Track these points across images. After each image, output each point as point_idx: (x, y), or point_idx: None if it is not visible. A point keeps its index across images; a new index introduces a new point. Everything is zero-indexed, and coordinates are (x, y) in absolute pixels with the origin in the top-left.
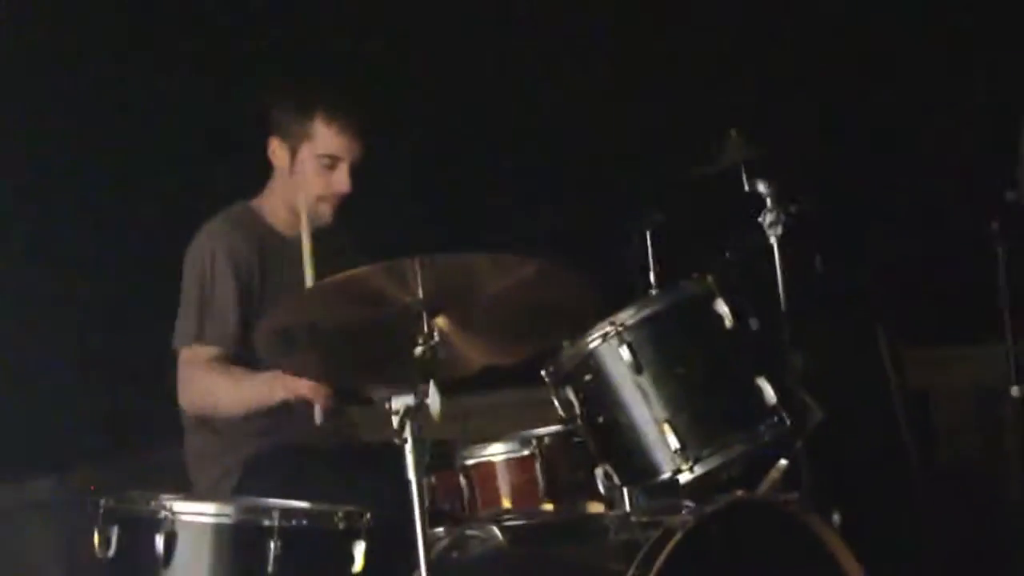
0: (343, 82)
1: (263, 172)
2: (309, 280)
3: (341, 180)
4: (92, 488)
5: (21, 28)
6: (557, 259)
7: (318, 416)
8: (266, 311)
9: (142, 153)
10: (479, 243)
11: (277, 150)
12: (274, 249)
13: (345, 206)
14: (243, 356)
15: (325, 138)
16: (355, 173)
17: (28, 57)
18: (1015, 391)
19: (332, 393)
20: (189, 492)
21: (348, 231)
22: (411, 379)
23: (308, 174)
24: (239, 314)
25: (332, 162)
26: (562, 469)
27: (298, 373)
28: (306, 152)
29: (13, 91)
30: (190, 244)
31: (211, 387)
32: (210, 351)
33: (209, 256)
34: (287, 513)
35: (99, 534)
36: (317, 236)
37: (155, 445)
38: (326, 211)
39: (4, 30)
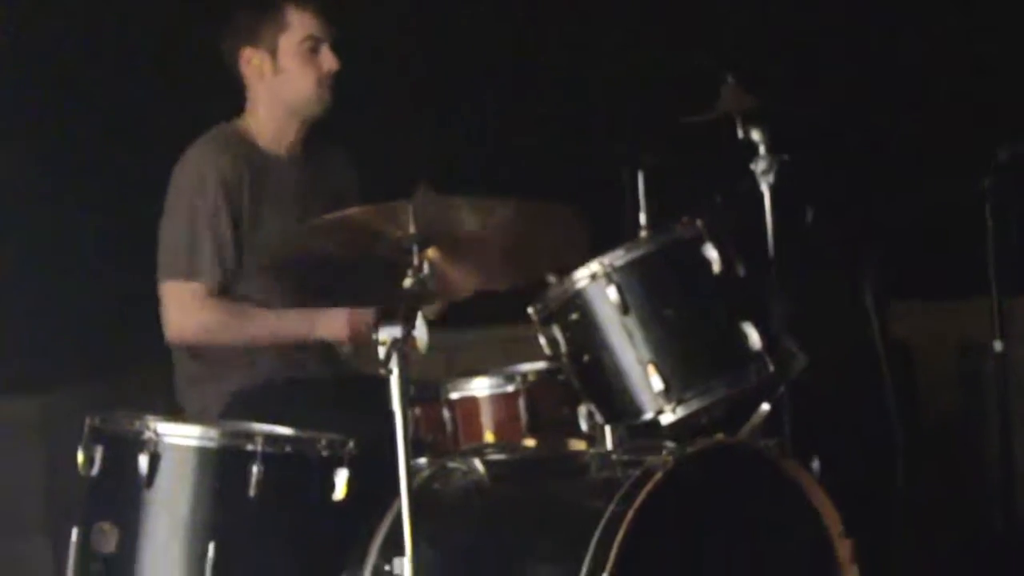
0: None
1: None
2: None
3: (329, 59)
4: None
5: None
6: (544, 197)
7: (346, 351)
8: (256, 236)
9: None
10: (474, 181)
11: (253, 58)
12: (263, 169)
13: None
14: (229, 288)
15: (302, 22)
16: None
17: None
18: (998, 346)
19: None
20: (176, 414)
21: (346, 165)
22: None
23: (296, 65)
24: (235, 244)
25: (315, 44)
26: (545, 406)
27: (287, 304)
28: (286, 44)
29: None
30: (176, 167)
31: (218, 324)
32: (197, 288)
33: (198, 180)
34: (270, 439)
35: (83, 452)
36: (316, 168)
37: (145, 365)
38: (324, 95)
39: None
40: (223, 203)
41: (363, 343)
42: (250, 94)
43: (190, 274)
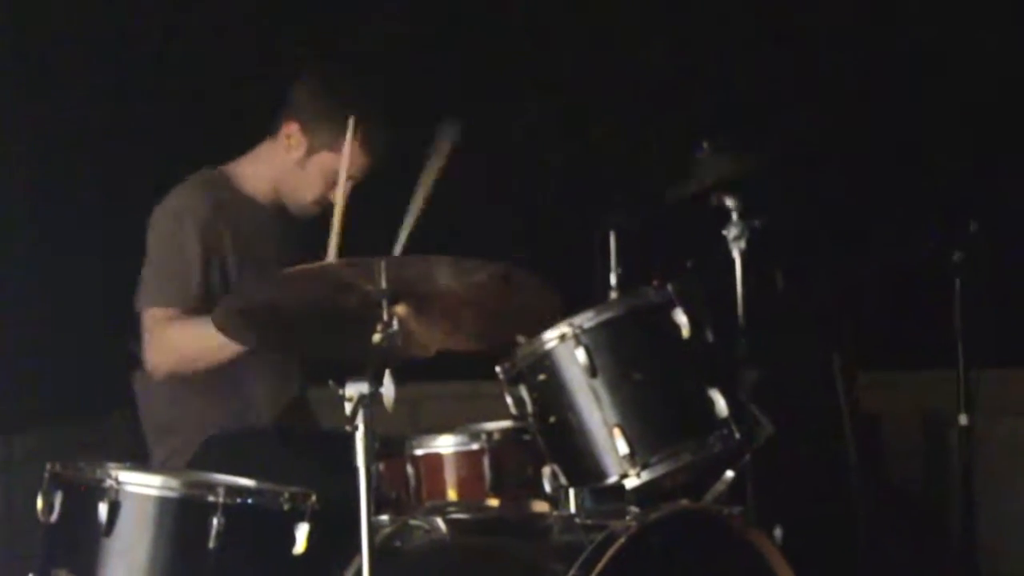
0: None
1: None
2: (332, 255)
3: (344, 193)
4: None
5: None
6: (520, 262)
7: None
8: (233, 280)
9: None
10: (447, 241)
11: (294, 136)
12: (247, 216)
13: None
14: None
15: (353, 160)
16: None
17: None
18: (963, 419)
19: None
20: (138, 463)
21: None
22: (366, 367)
23: (315, 178)
24: (203, 278)
25: (345, 179)
26: (510, 465)
27: (256, 350)
28: (326, 159)
29: None
30: (156, 209)
31: (178, 340)
32: (171, 313)
33: (175, 220)
34: (232, 490)
35: (43, 498)
36: (288, 223)
37: (111, 411)
38: (314, 211)
39: None
40: (197, 240)
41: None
42: (267, 146)
43: (161, 300)
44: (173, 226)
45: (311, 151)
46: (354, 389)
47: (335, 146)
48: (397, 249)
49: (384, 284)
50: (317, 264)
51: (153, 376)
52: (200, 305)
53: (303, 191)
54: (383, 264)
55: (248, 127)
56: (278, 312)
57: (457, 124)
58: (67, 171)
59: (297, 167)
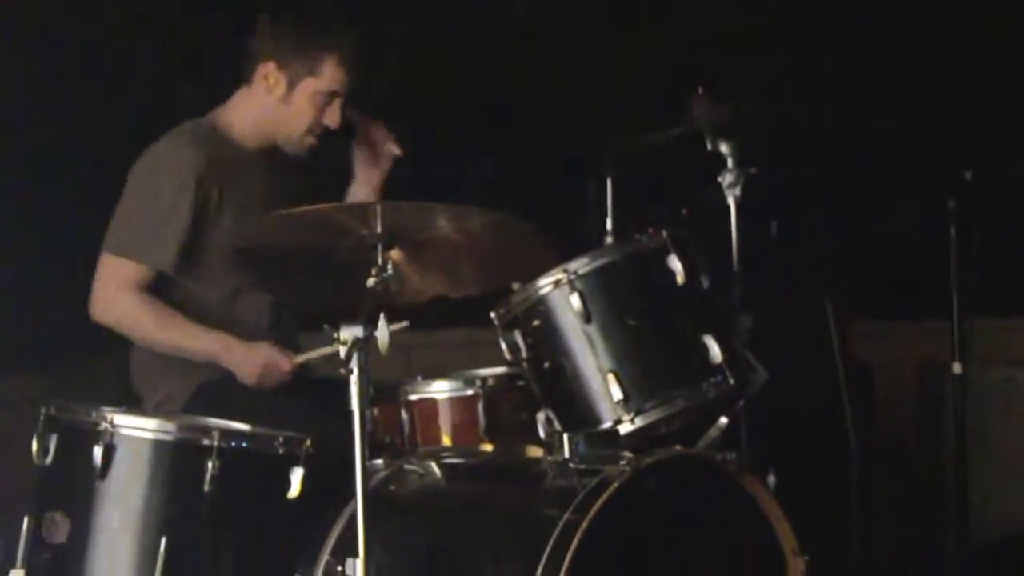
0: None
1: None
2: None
3: (333, 115)
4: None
5: None
6: (516, 211)
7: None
8: (224, 227)
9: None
10: (441, 187)
11: (271, 75)
12: (236, 163)
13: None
14: (171, 280)
15: (332, 78)
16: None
17: None
18: (956, 368)
19: (282, 378)
20: (132, 406)
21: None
22: (361, 310)
23: (303, 107)
24: (187, 237)
25: (331, 98)
26: (504, 411)
27: (251, 288)
28: (307, 86)
29: None
30: (142, 156)
31: (135, 317)
32: (132, 268)
33: (162, 173)
34: (227, 434)
35: (37, 441)
36: (281, 163)
37: (101, 355)
38: (310, 142)
39: None
40: (191, 198)
41: (267, 386)
42: (247, 90)
43: (134, 253)
44: (159, 179)
45: (292, 83)
46: (348, 333)
47: (315, 69)
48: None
49: (379, 229)
50: (311, 207)
51: (91, 318)
52: (169, 269)
53: (294, 123)
54: (378, 208)
55: None
56: (272, 255)
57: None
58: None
59: (281, 103)
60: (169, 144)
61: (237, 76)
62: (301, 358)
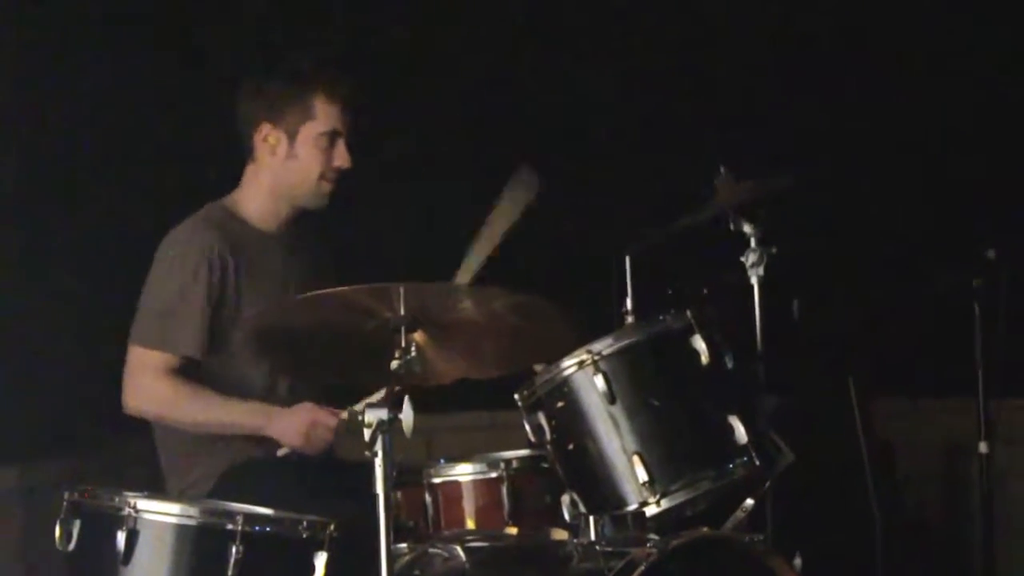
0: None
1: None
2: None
3: (342, 155)
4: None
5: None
6: (540, 292)
7: (283, 452)
8: (244, 309)
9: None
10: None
11: (270, 136)
12: (252, 245)
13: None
14: (201, 366)
15: (328, 116)
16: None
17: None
18: (983, 447)
19: (328, 437)
20: (157, 491)
21: (327, 247)
22: (385, 393)
23: (310, 154)
24: (208, 323)
25: (334, 138)
26: (529, 493)
27: (273, 372)
28: (307, 132)
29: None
30: (163, 241)
31: (171, 401)
32: (168, 360)
33: (180, 260)
34: (251, 518)
35: (60, 527)
36: (300, 245)
37: (126, 439)
38: (327, 189)
39: None
40: (206, 282)
41: (316, 450)
42: (253, 166)
43: (160, 344)
44: (174, 266)
45: (291, 135)
46: (373, 415)
47: (309, 112)
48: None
49: (403, 311)
50: (332, 290)
51: (124, 410)
52: (198, 355)
53: (306, 174)
54: (401, 290)
55: None
56: (296, 338)
57: (535, 176)
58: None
59: (288, 160)
60: (184, 229)
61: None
62: (347, 412)
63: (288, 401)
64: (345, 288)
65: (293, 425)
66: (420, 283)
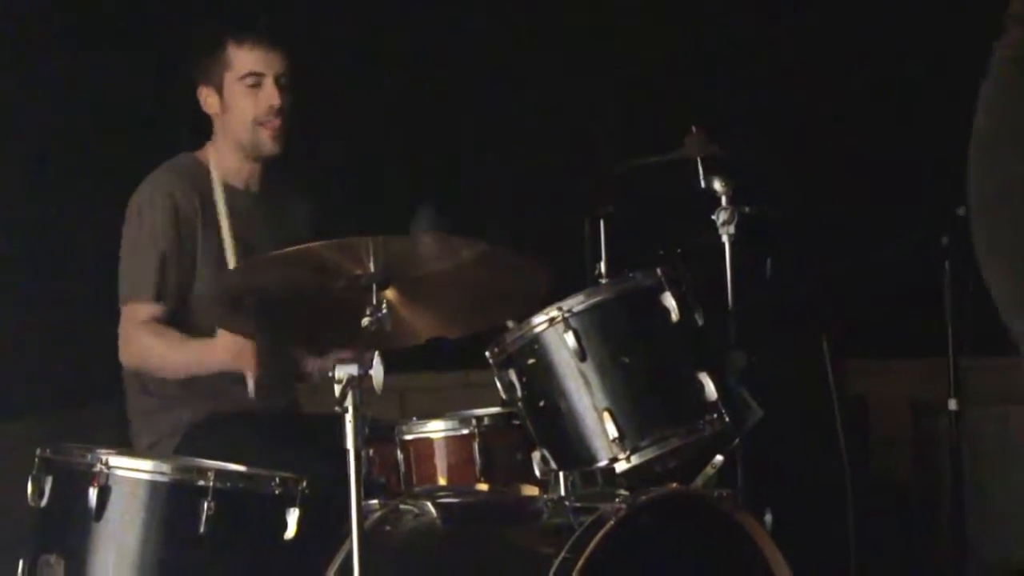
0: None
1: None
2: (230, 256)
3: (269, 94)
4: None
5: None
6: (508, 242)
7: (251, 389)
8: (201, 259)
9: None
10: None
11: (207, 97)
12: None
13: (300, 177)
14: (182, 314)
15: (240, 59)
16: (283, 88)
17: None
18: (952, 404)
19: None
20: (128, 448)
21: (305, 202)
22: (356, 349)
23: (237, 102)
24: (178, 269)
25: (256, 80)
26: (500, 450)
27: (240, 333)
28: (229, 81)
29: None
30: (133, 195)
31: (147, 349)
32: (148, 309)
33: (150, 209)
34: (223, 475)
35: (32, 483)
36: (274, 202)
37: (97, 401)
38: (266, 137)
39: None
40: (173, 231)
41: (247, 367)
42: (213, 128)
43: (127, 296)
44: (148, 213)
45: (219, 89)
46: (343, 371)
47: (226, 64)
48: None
49: (372, 267)
50: (300, 246)
51: (124, 370)
52: (154, 297)
53: (241, 122)
54: (370, 244)
55: None
56: (265, 298)
57: (432, 212)
58: (62, 167)
59: (225, 114)
60: (152, 181)
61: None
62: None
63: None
64: (312, 244)
65: (221, 348)
66: (388, 236)
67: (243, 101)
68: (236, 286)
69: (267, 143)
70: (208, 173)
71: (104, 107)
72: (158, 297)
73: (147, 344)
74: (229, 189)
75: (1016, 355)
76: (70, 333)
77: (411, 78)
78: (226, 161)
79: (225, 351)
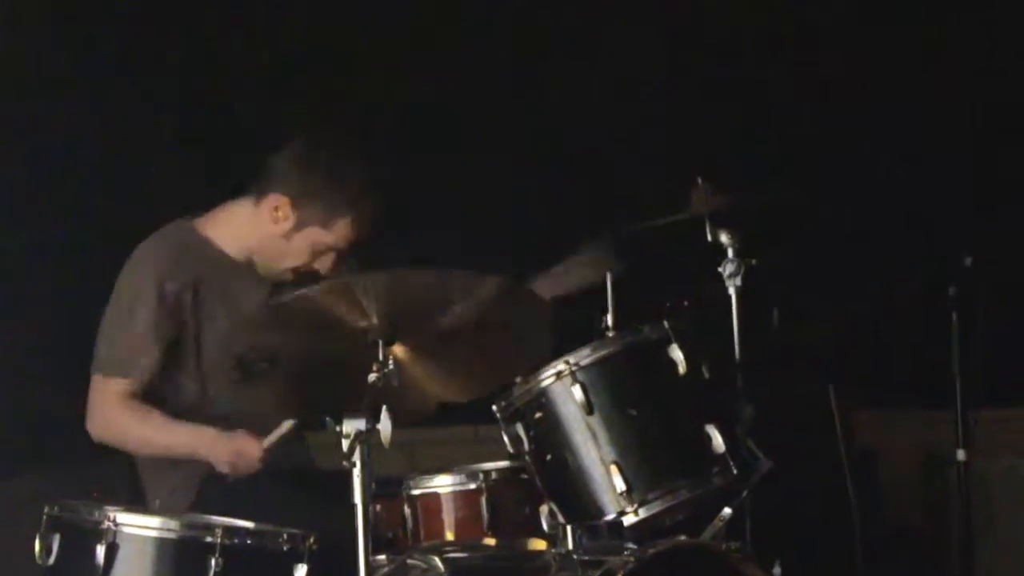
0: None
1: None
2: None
3: (327, 264)
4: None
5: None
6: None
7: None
8: (206, 334)
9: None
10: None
11: (283, 210)
12: (218, 269)
13: None
14: (158, 391)
15: (341, 236)
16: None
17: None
18: (960, 455)
19: (254, 464)
20: (137, 504)
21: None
22: (364, 405)
23: (301, 250)
24: (159, 348)
25: (330, 249)
26: (507, 504)
27: (252, 405)
28: (313, 234)
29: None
30: (126, 263)
31: (122, 426)
32: (120, 384)
33: (136, 283)
34: (231, 531)
35: (40, 541)
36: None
37: (108, 454)
38: (289, 278)
39: None
40: (155, 306)
41: (243, 473)
42: (247, 210)
43: (109, 370)
44: (137, 287)
45: (300, 225)
46: (351, 426)
47: (328, 223)
48: None
49: (375, 318)
50: (296, 292)
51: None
52: (146, 379)
53: (285, 260)
54: (364, 286)
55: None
56: (273, 363)
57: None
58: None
59: (282, 238)
60: (141, 250)
61: (238, 185)
62: (267, 442)
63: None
64: (303, 290)
65: (223, 452)
66: (387, 271)
67: (307, 254)
68: (240, 348)
69: (275, 278)
70: (207, 242)
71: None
72: (135, 375)
73: (123, 421)
74: (227, 258)
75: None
76: (78, 386)
77: (415, 116)
78: (235, 239)
79: (206, 441)
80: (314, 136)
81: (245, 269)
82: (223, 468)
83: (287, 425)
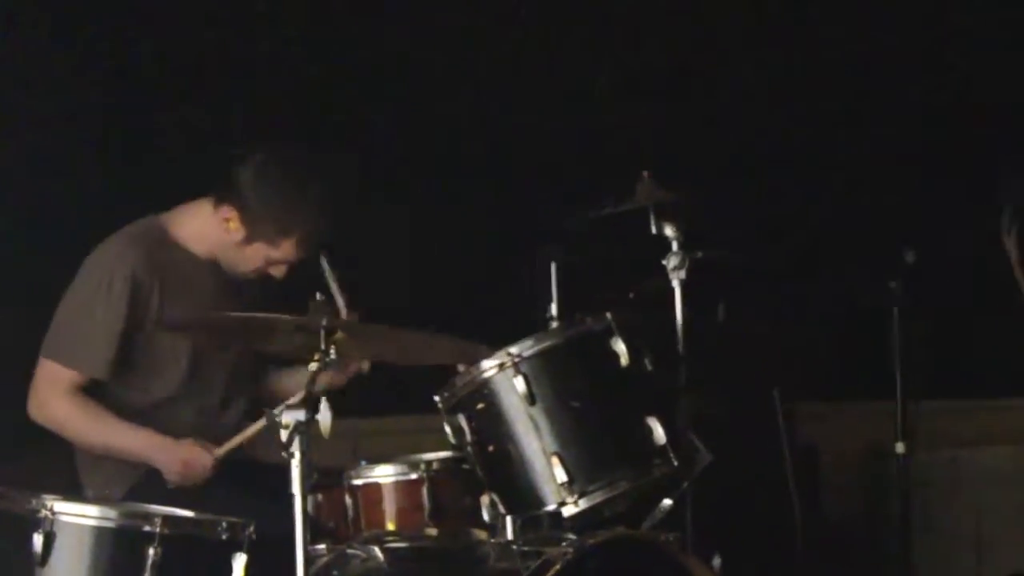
0: None
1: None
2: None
3: (280, 271)
4: None
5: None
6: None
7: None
8: (161, 336)
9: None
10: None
11: (233, 222)
12: (180, 267)
13: None
14: (105, 386)
15: (288, 253)
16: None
17: None
18: (900, 447)
19: (204, 473)
20: (74, 493)
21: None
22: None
23: (253, 260)
24: (117, 344)
25: (281, 262)
26: (449, 495)
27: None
28: (261, 248)
29: None
30: (89, 257)
31: (65, 415)
32: (70, 375)
33: (102, 277)
34: (169, 520)
35: None
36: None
37: (43, 446)
38: (251, 276)
39: None
40: (121, 304)
41: (190, 483)
42: (205, 211)
43: (66, 360)
44: (102, 281)
45: (249, 240)
46: (290, 417)
47: (275, 241)
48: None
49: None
50: (263, 315)
51: (31, 417)
52: (103, 377)
53: (240, 266)
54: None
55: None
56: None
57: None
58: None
59: (235, 247)
60: (107, 245)
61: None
62: (220, 451)
63: (192, 424)
64: (273, 317)
65: (172, 461)
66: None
67: (258, 263)
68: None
69: (248, 276)
70: (172, 240)
71: None
72: (85, 370)
73: (67, 411)
74: (190, 255)
75: (964, 399)
76: (16, 380)
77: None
78: (197, 238)
79: (153, 448)
80: (272, 151)
81: (209, 267)
82: (171, 477)
83: (253, 429)
